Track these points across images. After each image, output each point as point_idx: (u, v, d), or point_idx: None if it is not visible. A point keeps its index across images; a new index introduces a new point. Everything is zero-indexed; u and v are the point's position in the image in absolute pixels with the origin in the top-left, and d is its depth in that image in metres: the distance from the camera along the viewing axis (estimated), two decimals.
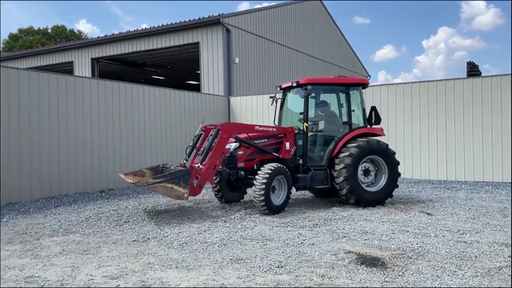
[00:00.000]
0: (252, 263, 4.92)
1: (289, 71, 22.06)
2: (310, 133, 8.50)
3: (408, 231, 6.36)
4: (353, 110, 8.72)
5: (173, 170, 7.36)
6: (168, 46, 18.97)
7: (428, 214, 7.71)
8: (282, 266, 4.78)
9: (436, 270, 4.62)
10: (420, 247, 5.51)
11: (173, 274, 4.60)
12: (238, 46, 18.33)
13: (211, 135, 7.99)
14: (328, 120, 8.97)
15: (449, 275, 4.46)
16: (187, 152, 8.30)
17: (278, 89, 9.33)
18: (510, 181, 11.45)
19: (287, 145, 8.27)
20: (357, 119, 8.85)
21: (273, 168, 7.52)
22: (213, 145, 7.64)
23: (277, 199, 7.72)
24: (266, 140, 8.23)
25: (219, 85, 17.75)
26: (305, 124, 8.33)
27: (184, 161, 8.11)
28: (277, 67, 21.29)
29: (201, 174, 7.38)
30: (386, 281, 4.30)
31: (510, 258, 4.98)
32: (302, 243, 5.78)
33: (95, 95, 10.98)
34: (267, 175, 7.40)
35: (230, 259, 5.07)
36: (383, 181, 8.64)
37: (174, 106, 13.38)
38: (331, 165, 8.46)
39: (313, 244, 5.72)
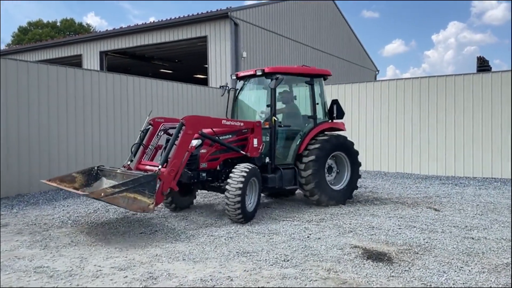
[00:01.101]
0: (258, 256, 4.94)
1: (297, 65, 21.97)
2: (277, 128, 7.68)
3: (415, 227, 6.35)
4: (317, 103, 8.22)
5: (137, 175, 5.80)
6: (176, 39, 18.97)
7: (436, 210, 7.68)
8: (288, 260, 4.80)
9: (442, 265, 4.62)
10: (427, 242, 5.50)
11: (180, 266, 4.64)
12: (246, 40, 18.29)
13: (160, 130, 7.09)
14: (293, 114, 8.34)
15: (455, 271, 4.45)
16: (132, 150, 7.00)
17: (234, 78, 8.45)
18: (510, 178, 11.39)
19: (255, 141, 7.29)
20: (318, 113, 8.30)
21: (248, 169, 6.54)
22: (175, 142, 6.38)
23: (249, 204, 6.71)
24: (230, 136, 7.25)
25: (226, 79, 17.74)
26: (274, 117, 7.54)
27: (129, 162, 6.86)
28: (285, 61, 21.21)
29: (163, 178, 6.02)
30: (392, 276, 4.31)
31: (510, 255, 4.96)
32: (308, 237, 5.79)
33: (104, 88, 11.04)
34: (242, 178, 6.39)
35: (237, 252, 5.10)
36: (346, 179, 8.26)
37: (181, 99, 13.41)
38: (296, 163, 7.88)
39: (319, 238, 5.73)
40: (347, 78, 25.66)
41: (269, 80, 7.61)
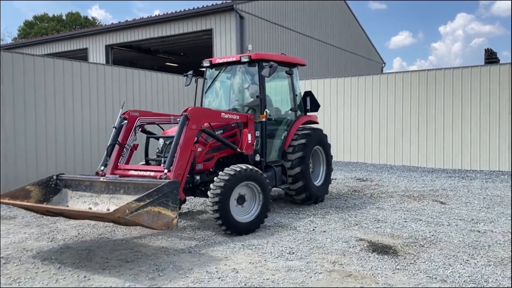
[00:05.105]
0: (263, 249, 4.96)
1: (303, 58, 21.87)
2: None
3: (421, 220, 6.34)
4: (296, 95, 7.69)
5: (158, 184, 4.66)
6: (181, 32, 18.94)
7: (442, 203, 7.65)
8: (293, 253, 4.81)
9: (448, 258, 4.61)
10: (432, 235, 5.49)
11: (185, 258, 4.67)
12: (252, 33, 18.20)
13: (136, 126, 6.08)
14: (276, 106, 7.74)
15: (461, 264, 4.44)
16: (107, 152, 5.90)
17: (207, 65, 7.44)
18: (510, 170, 11.31)
19: (249, 137, 6.47)
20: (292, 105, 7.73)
21: (233, 172, 5.53)
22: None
23: (246, 214, 5.76)
24: (222, 131, 6.38)
25: None
26: (266, 110, 6.82)
27: (102, 168, 5.75)
28: (291, 53, 21.11)
29: None
30: (398, 269, 4.31)
31: (511, 249, 4.94)
32: (313, 230, 5.80)
33: (109, 82, 11.07)
34: (222, 183, 5.40)
35: (242, 244, 5.13)
36: (322, 174, 7.87)
37: (187, 93, 13.41)
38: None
39: (324, 231, 5.74)
40: (353, 70, 25.49)
41: (253, 67, 6.99)
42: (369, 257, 4.67)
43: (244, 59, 6.86)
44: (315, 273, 4.19)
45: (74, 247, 5.06)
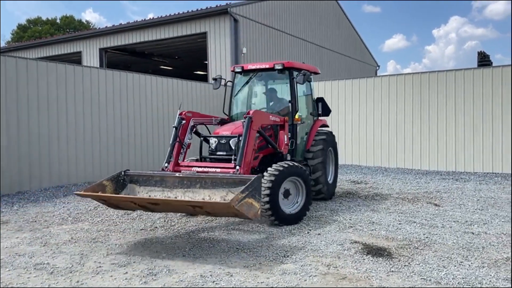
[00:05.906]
0: (258, 252, 4.95)
1: (296, 61, 21.90)
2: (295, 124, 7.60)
3: (415, 222, 6.35)
4: (314, 100, 8.38)
5: (248, 178, 5.19)
6: (176, 36, 18.93)
7: (436, 205, 7.68)
8: (288, 256, 4.80)
9: (442, 260, 4.62)
10: (427, 237, 5.50)
11: (180, 262, 4.64)
12: (246, 36, 18.24)
13: (190, 126, 6.71)
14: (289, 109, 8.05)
15: (455, 266, 4.45)
16: (171, 149, 6.44)
17: (239, 70, 7.98)
18: (511, 173, 11.38)
19: (285, 138, 7.07)
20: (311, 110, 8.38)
21: (282, 167, 6.08)
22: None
23: (291, 206, 6.33)
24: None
25: (227, 75, 17.71)
26: (298, 113, 7.49)
27: (167, 164, 6.31)
28: (285, 57, 21.15)
29: None
30: (392, 271, 4.31)
31: (510, 250, 4.96)
32: (308, 233, 5.79)
33: (103, 85, 11.02)
34: (272, 177, 5.92)
35: (237, 248, 5.11)
36: (332, 173, 8.66)
37: (181, 96, 13.39)
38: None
39: (319, 234, 5.73)
40: (347, 73, 25.61)
41: (281, 74, 7.65)
42: (364, 259, 4.67)
43: (278, 67, 7.49)
44: (309, 276, 4.18)
45: (67, 252, 5.02)
